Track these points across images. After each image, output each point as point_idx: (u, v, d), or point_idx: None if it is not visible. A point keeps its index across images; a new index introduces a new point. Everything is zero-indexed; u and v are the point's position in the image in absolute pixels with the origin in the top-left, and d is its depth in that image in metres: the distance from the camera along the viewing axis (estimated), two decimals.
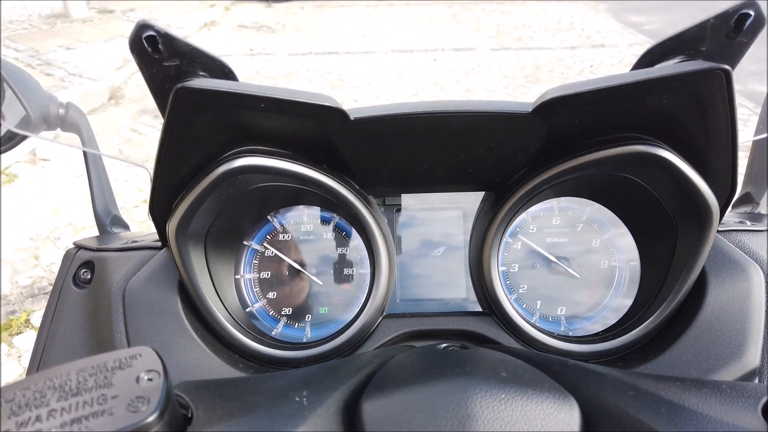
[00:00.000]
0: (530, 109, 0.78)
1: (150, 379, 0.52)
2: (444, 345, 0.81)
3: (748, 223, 0.98)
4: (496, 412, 0.56)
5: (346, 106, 0.80)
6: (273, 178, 0.90)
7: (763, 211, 1.15)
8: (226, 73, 0.80)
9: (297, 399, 0.59)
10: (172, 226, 0.85)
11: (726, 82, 0.71)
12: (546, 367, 0.69)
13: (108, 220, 1.18)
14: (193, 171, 0.84)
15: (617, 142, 0.83)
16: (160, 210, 0.86)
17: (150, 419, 0.48)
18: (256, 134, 0.84)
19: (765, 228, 0.94)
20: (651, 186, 0.89)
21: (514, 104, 0.80)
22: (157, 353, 0.54)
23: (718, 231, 0.93)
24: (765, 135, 1.09)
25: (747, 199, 1.16)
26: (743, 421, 0.53)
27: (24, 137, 1.12)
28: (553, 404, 0.58)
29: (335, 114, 0.77)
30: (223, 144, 0.83)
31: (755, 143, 1.18)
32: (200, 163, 0.83)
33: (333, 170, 0.93)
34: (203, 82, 0.71)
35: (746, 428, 0.52)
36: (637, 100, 0.76)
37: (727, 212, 0.89)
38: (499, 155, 0.88)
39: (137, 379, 0.52)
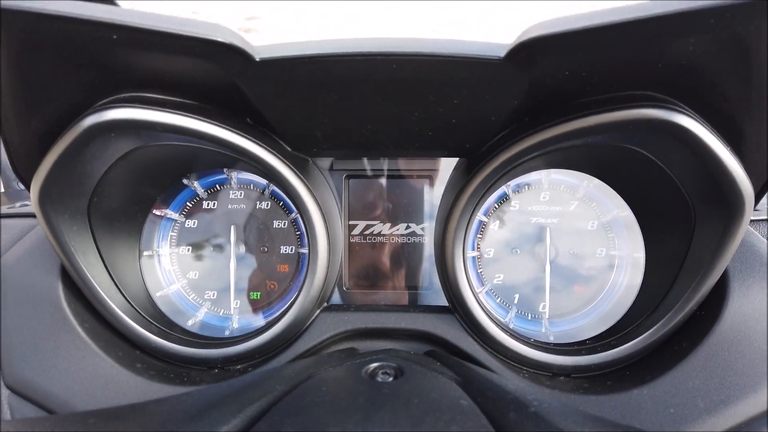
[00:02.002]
0: (503, 54, 0.55)
1: None
2: (375, 366, 0.62)
3: None
4: None
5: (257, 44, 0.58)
6: (173, 137, 0.69)
7: None
8: None
9: None
10: (33, 194, 0.66)
11: None
12: (500, 411, 0.50)
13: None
14: (56, 123, 0.63)
15: (623, 103, 0.60)
16: (25, 171, 0.67)
17: None
18: (138, 78, 0.62)
19: None
20: (665, 162, 0.67)
21: (482, 46, 0.56)
22: None
23: (750, 222, 0.72)
24: None
25: None
26: None
27: None
28: None
29: (233, 53, 0.56)
30: (91, 89, 0.62)
31: None
32: (63, 113, 0.63)
33: (258, 128, 0.72)
34: (29, 4, 0.49)
35: None
36: (654, 45, 0.52)
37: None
38: (465, 115, 0.66)
39: None
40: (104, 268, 0.75)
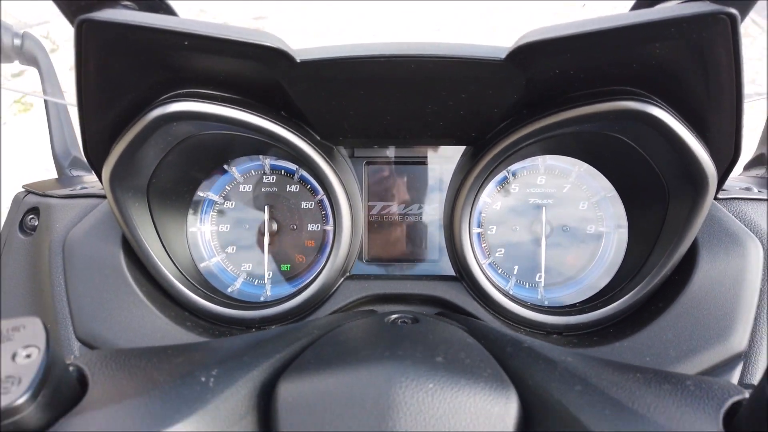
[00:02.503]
0: (503, 56, 0.67)
1: (28, 356, 0.46)
2: (395, 316, 0.74)
3: (755, 189, 0.88)
4: (420, 406, 0.50)
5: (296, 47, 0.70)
6: (221, 126, 0.81)
7: None
8: (160, 4, 0.70)
9: (203, 379, 0.53)
10: (105, 175, 0.78)
11: (731, 29, 0.59)
12: (498, 347, 0.62)
13: (67, 161, 1.12)
14: (126, 115, 0.75)
15: (605, 96, 0.72)
16: (96, 156, 0.79)
17: (19, 402, 0.42)
18: (196, 76, 0.74)
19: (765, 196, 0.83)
20: (642, 147, 0.79)
21: (485, 49, 0.68)
22: (44, 325, 0.48)
23: (718, 199, 0.83)
24: None
25: (760, 161, 1.04)
26: (700, 426, 0.46)
27: None
28: (489, 397, 0.52)
29: (278, 56, 0.67)
30: (155, 87, 0.74)
31: None
32: (132, 106, 0.75)
33: (291, 119, 0.84)
34: (111, 14, 0.61)
35: None
36: (628, 49, 0.64)
37: (735, 176, 0.78)
38: (472, 107, 0.78)
39: (14, 356, 0.46)
40: (159, 240, 0.87)
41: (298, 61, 0.69)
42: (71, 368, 0.53)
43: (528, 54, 0.66)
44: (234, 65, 0.71)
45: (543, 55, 0.66)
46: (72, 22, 0.67)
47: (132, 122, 0.75)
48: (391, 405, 0.50)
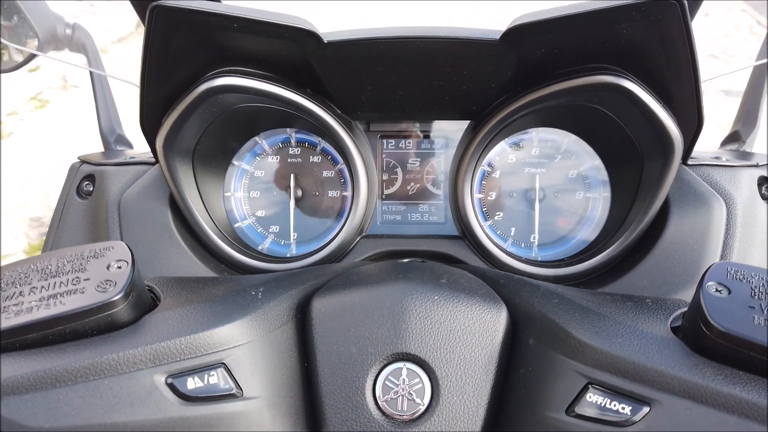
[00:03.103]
0: (498, 37, 0.80)
1: (119, 267, 0.60)
2: (407, 260, 0.87)
3: (724, 159, 1.00)
4: (427, 310, 0.63)
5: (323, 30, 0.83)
6: (256, 99, 0.94)
7: (749, 150, 1.15)
8: None
9: (253, 293, 0.66)
10: (159, 142, 0.91)
11: (681, 13, 0.71)
12: (492, 280, 0.75)
13: (112, 138, 1.25)
14: (178, 89, 0.89)
15: (585, 72, 0.85)
16: (150, 126, 0.92)
17: (115, 298, 0.55)
18: (238, 56, 0.88)
19: (736, 164, 0.95)
20: (618, 116, 0.91)
21: (482, 31, 0.81)
22: (128, 246, 0.61)
23: (689, 165, 0.95)
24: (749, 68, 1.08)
25: (735, 137, 1.17)
26: (650, 327, 0.58)
27: (32, 56, 1.18)
28: (483, 307, 0.64)
29: (309, 36, 0.80)
30: (205, 63, 0.88)
31: (750, 82, 1.17)
32: (184, 81, 0.88)
33: (316, 95, 0.97)
34: (177, 2, 0.74)
35: (650, 332, 0.57)
36: (598, 30, 0.77)
37: (713, 150, 0.91)
38: (472, 83, 0.90)
39: (108, 267, 0.60)
40: (201, 201, 1.00)
41: (326, 41, 0.82)
42: (146, 287, 0.67)
43: (518, 35, 0.78)
44: (271, 45, 0.84)
45: (531, 35, 0.79)
46: (138, 8, 0.80)
47: (184, 94, 0.88)
48: (403, 311, 0.63)
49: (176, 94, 0.89)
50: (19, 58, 1.21)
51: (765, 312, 0.52)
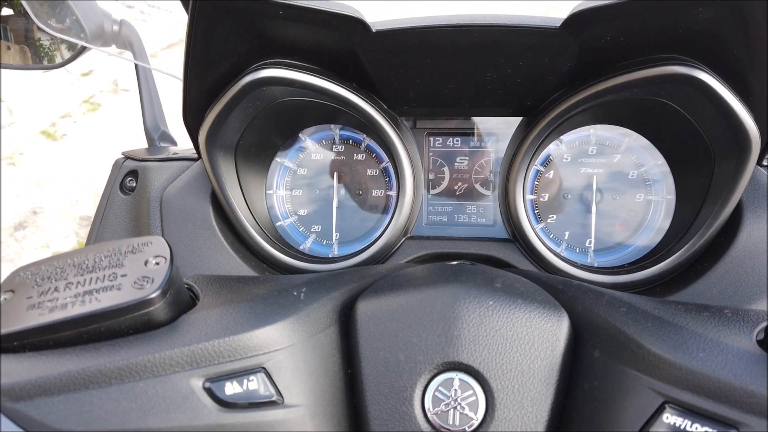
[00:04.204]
0: (558, 24, 0.74)
1: (157, 263, 0.57)
2: (455, 263, 0.82)
3: None
4: (482, 317, 0.58)
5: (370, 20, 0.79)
6: (300, 93, 0.91)
7: None
8: None
9: (295, 294, 0.62)
10: (202, 135, 0.89)
11: None
12: (549, 285, 0.69)
13: (157, 135, 1.24)
14: (222, 82, 0.86)
15: (653, 62, 0.78)
16: (193, 120, 0.90)
17: (153, 296, 0.52)
18: (283, 47, 0.84)
19: None
20: (688, 111, 0.84)
21: (542, 19, 0.76)
22: (167, 242, 0.59)
23: (764, 165, 0.87)
24: None
25: None
26: (734, 341, 0.52)
27: (82, 51, 1.19)
28: (542, 314, 0.59)
29: (356, 24, 0.77)
30: (249, 55, 0.85)
31: None
32: (228, 74, 0.86)
33: (362, 90, 0.93)
34: None
35: (735, 347, 0.51)
36: (672, 15, 0.70)
37: None
38: (528, 75, 0.85)
39: (146, 263, 0.57)
40: (243, 198, 0.98)
41: (374, 30, 0.78)
42: (185, 285, 0.64)
43: (581, 21, 0.73)
44: (317, 34, 0.81)
45: (594, 22, 0.73)
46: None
47: (228, 87, 0.85)
48: (456, 317, 0.58)
49: (220, 87, 0.87)
50: (67, 54, 1.21)
51: None
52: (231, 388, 0.52)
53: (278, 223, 1.07)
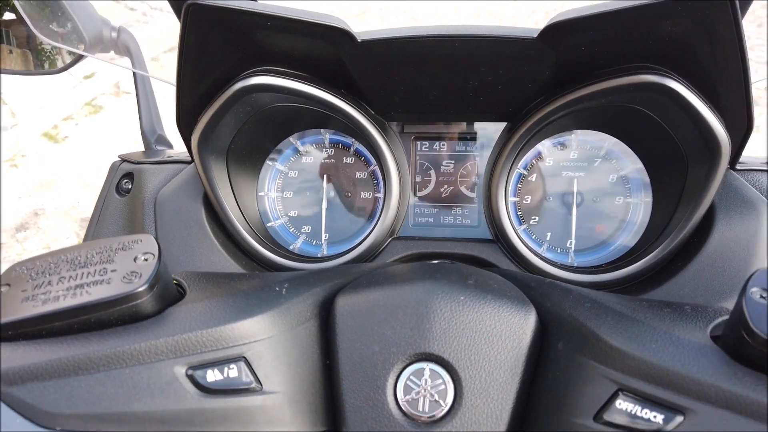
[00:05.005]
0: (536, 35, 0.78)
1: (146, 260, 0.60)
2: (435, 262, 0.85)
3: None
4: (453, 311, 0.61)
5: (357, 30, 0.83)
6: (290, 99, 0.94)
7: None
8: None
9: (277, 289, 0.66)
10: (194, 139, 0.92)
11: (731, 9, 0.68)
12: (522, 283, 0.72)
13: (153, 138, 1.28)
14: (213, 88, 0.90)
15: (627, 71, 0.82)
16: (186, 125, 0.93)
17: (140, 289, 0.56)
18: (273, 55, 0.88)
19: None
20: (661, 118, 0.87)
21: (520, 30, 0.79)
22: (156, 240, 0.62)
23: (737, 170, 0.90)
24: None
25: None
26: (687, 334, 0.55)
27: (81, 56, 1.22)
28: (511, 309, 0.62)
29: (343, 35, 0.80)
30: (240, 63, 0.88)
31: None
32: (219, 80, 0.89)
33: (350, 96, 0.96)
34: (213, 0, 0.75)
35: (687, 339, 0.54)
36: (641, 27, 0.74)
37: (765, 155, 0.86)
38: (509, 83, 0.88)
39: (135, 259, 0.61)
40: (234, 200, 1.01)
41: (359, 40, 0.81)
42: (174, 281, 0.67)
43: (557, 33, 0.76)
44: (305, 44, 0.84)
45: (570, 33, 0.76)
46: (175, 8, 0.82)
47: (219, 93, 0.89)
48: (428, 311, 0.62)
49: (212, 93, 0.90)
50: (69, 58, 1.25)
51: None
52: (212, 376, 0.55)
53: (269, 224, 1.10)
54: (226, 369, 0.56)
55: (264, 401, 0.57)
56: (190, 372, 0.55)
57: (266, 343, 0.59)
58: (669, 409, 0.50)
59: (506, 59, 0.83)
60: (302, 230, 1.11)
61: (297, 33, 0.81)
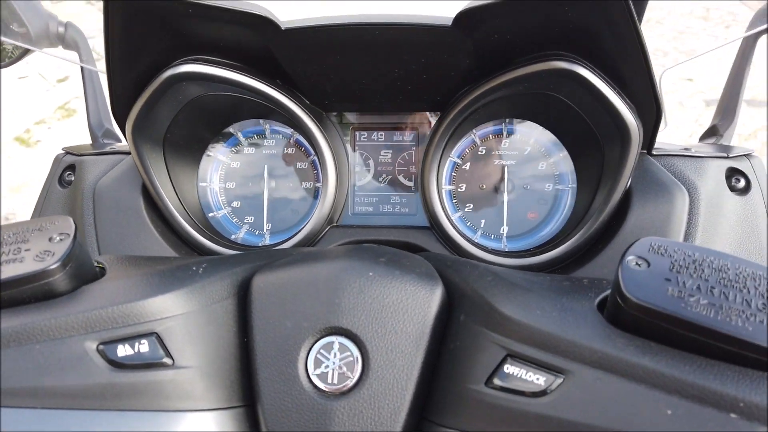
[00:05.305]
0: (450, 22, 0.81)
1: (61, 239, 0.62)
2: (360, 245, 0.87)
3: (694, 150, 0.98)
4: (361, 286, 0.64)
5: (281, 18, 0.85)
6: (223, 88, 0.96)
7: (727, 143, 1.13)
8: None
9: (194, 268, 0.68)
10: (128, 128, 0.94)
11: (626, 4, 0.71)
12: (441, 262, 0.75)
13: (101, 132, 1.29)
14: (146, 77, 0.92)
15: (540, 59, 0.85)
16: (120, 114, 0.95)
17: (52, 267, 0.58)
18: (201, 44, 0.90)
19: (703, 155, 0.94)
20: (576, 104, 0.91)
21: (435, 18, 0.83)
22: (74, 221, 0.64)
23: (654, 155, 0.94)
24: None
25: (713, 131, 1.15)
26: (573, 304, 0.58)
27: (25, 52, 1.23)
28: (418, 284, 0.65)
29: (266, 23, 0.83)
30: (169, 52, 0.90)
31: (730, 76, 1.16)
32: (149, 69, 0.91)
33: (285, 86, 0.99)
34: None
35: (571, 307, 0.57)
36: (544, 14, 0.77)
37: (688, 143, 0.90)
38: (432, 72, 0.91)
39: (50, 239, 0.62)
40: (173, 189, 1.03)
41: (283, 28, 0.84)
42: (95, 263, 0.69)
43: (470, 20, 0.79)
44: (231, 32, 0.86)
45: (481, 20, 0.80)
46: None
47: (149, 82, 0.91)
48: (337, 287, 0.64)
49: (143, 83, 0.92)
50: (13, 55, 1.26)
51: (680, 284, 0.52)
52: (123, 351, 0.57)
53: (210, 214, 1.12)
54: (137, 344, 0.58)
55: (175, 376, 0.59)
56: (101, 347, 0.56)
57: (179, 319, 0.61)
58: (551, 371, 0.53)
59: (426, 47, 0.86)
60: (245, 220, 1.13)
61: (220, 21, 0.83)
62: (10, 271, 0.57)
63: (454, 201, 1.08)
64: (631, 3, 0.71)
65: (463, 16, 0.79)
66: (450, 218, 1.01)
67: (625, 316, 0.53)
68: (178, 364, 0.59)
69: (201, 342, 0.62)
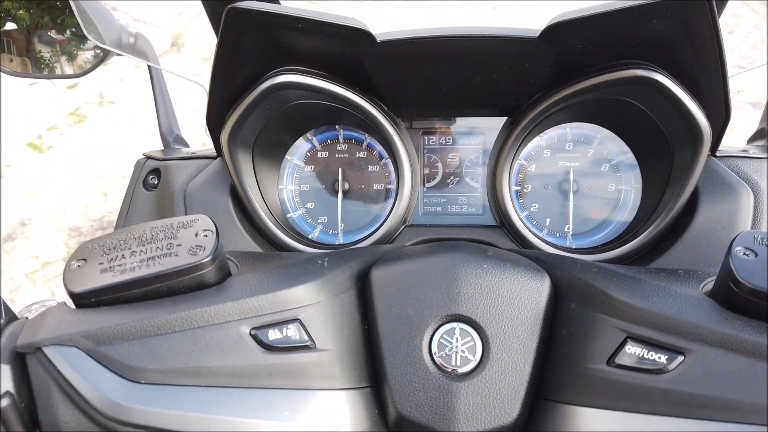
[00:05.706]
0: (537, 35, 0.87)
1: (206, 236, 0.68)
2: (452, 241, 0.93)
3: (751, 152, 1.05)
4: (477, 276, 0.70)
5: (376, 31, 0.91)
6: (311, 96, 1.02)
7: None
8: None
9: (319, 262, 0.73)
10: (224, 135, 1.00)
11: (709, 9, 0.78)
12: (531, 257, 0.81)
13: (171, 138, 1.35)
14: (242, 87, 0.97)
15: (618, 67, 0.91)
16: (214, 122, 1.01)
17: (205, 260, 0.63)
18: (297, 55, 0.96)
19: (762, 156, 1.00)
20: (649, 108, 0.97)
21: (523, 30, 0.89)
22: (212, 220, 0.70)
23: (717, 156, 1.00)
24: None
25: (761, 134, 1.21)
26: (683, 290, 0.64)
27: (105, 56, 1.29)
28: (528, 275, 0.71)
29: (363, 36, 0.89)
30: (267, 63, 0.96)
31: None
32: (248, 79, 0.97)
33: (365, 93, 1.05)
34: (250, 4, 0.83)
35: (683, 293, 0.63)
36: (631, 26, 0.84)
37: (741, 145, 0.96)
38: (511, 80, 0.98)
39: (196, 235, 0.68)
40: (259, 191, 1.09)
41: (379, 41, 0.90)
42: (227, 257, 0.75)
43: (556, 32, 0.86)
44: (328, 44, 0.92)
45: (568, 33, 0.86)
46: (211, 13, 0.89)
47: (248, 91, 0.97)
48: (456, 277, 0.70)
49: (239, 92, 0.98)
50: (88, 64, 1.31)
51: None
52: (273, 335, 0.63)
53: (288, 215, 1.18)
54: (284, 329, 0.63)
55: (318, 357, 0.65)
56: (253, 332, 0.62)
57: (316, 307, 0.66)
58: (671, 351, 0.58)
59: (510, 57, 0.93)
60: (319, 221, 1.19)
61: (321, 34, 0.89)
62: (169, 263, 0.63)
63: (520, 201, 1.14)
64: (717, 17, 0.78)
65: (551, 29, 0.85)
66: (519, 216, 1.07)
67: (738, 300, 0.59)
68: (319, 347, 0.65)
69: (334, 327, 0.68)
